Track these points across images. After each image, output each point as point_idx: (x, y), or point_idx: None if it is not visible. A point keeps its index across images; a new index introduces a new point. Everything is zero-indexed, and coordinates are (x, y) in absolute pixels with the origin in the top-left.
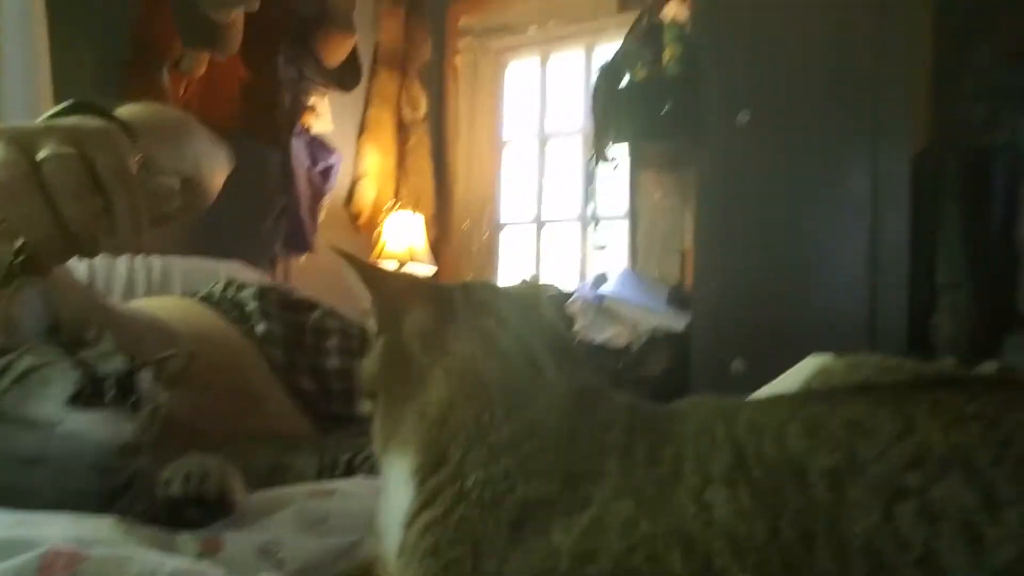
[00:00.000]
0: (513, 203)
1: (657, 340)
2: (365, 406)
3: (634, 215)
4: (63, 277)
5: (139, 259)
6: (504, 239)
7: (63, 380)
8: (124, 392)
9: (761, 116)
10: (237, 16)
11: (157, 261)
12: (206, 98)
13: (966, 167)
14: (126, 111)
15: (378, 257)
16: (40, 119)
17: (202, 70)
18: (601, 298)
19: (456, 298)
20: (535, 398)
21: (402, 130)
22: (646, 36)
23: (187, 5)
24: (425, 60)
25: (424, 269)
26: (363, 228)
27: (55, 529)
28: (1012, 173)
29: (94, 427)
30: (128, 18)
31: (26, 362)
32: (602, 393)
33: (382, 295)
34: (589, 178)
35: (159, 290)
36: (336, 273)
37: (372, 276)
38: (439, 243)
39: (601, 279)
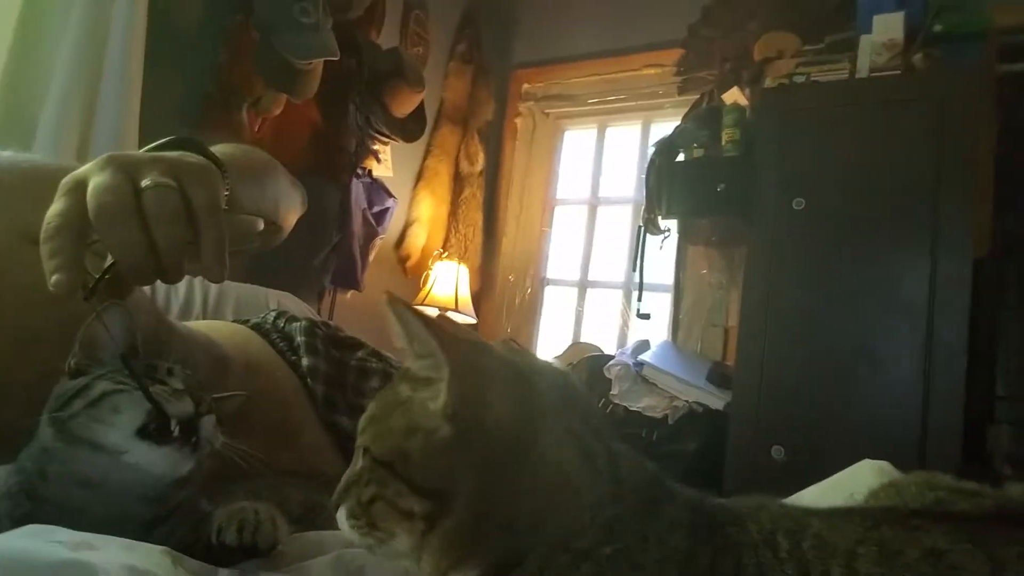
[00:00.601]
0: (558, 262)
1: (695, 415)
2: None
3: (678, 287)
4: (137, 295)
5: (197, 281)
6: (547, 297)
7: (133, 411)
8: (188, 432)
9: (815, 206)
10: (317, 64)
11: (213, 285)
12: (278, 136)
13: None
14: (220, 149)
15: (422, 302)
16: (144, 149)
17: (278, 110)
18: (641, 365)
19: (537, 385)
20: (613, 500)
21: (457, 182)
22: (705, 117)
23: (272, 50)
24: (486, 119)
25: (465, 319)
26: (410, 272)
27: (111, 555)
28: None
29: (156, 461)
30: (217, 58)
31: (101, 387)
32: (667, 490)
33: (459, 364)
34: (637, 247)
35: (212, 312)
36: (380, 314)
37: (446, 336)
38: (482, 294)
39: (643, 346)
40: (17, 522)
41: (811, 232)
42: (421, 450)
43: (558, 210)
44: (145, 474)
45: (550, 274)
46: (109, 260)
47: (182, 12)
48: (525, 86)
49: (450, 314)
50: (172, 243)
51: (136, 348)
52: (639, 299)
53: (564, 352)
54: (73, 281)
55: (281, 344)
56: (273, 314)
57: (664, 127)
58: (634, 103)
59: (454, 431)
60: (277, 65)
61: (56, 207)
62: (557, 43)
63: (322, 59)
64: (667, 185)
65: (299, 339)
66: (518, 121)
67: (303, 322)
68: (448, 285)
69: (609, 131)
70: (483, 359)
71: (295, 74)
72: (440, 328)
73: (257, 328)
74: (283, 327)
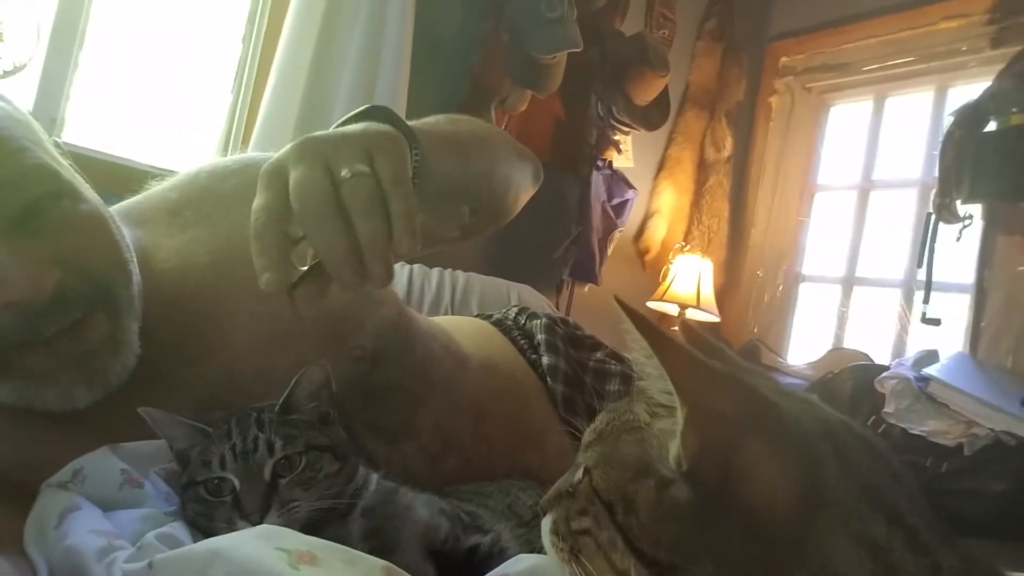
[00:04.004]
0: (818, 257)
1: (1003, 448)
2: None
3: (982, 288)
4: (382, 290)
5: (448, 273)
6: (802, 294)
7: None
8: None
9: None
10: (562, 58)
11: (461, 277)
12: (523, 131)
13: None
14: (427, 120)
15: (660, 298)
16: (339, 122)
17: (524, 106)
18: (925, 381)
19: (820, 450)
20: None
21: (702, 170)
22: None
23: (520, 49)
24: (737, 100)
25: (706, 317)
26: (649, 266)
27: (332, 572)
28: None
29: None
30: (470, 63)
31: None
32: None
33: (701, 408)
34: (924, 239)
35: (460, 305)
36: (616, 308)
37: (682, 366)
38: (726, 291)
39: (929, 357)
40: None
41: None
42: (649, 504)
43: (819, 197)
44: None
45: (807, 269)
46: (312, 254)
47: (444, 24)
48: (783, 60)
49: (691, 312)
50: (370, 232)
51: (327, 409)
52: (925, 301)
53: (821, 358)
54: (281, 280)
55: (522, 341)
56: (515, 310)
57: (966, 91)
58: (924, 65)
59: (694, 496)
60: (524, 63)
61: (260, 200)
62: (823, 6)
63: (566, 52)
64: (971, 162)
65: (539, 337)
66: (773, 100)
67: (543, 319)
68: (689, 280)
69: (889, 102)
70: (737, 404)
71: (541, 69)
72: (676, 354)
73: (499, 324)
74: (524, 324)
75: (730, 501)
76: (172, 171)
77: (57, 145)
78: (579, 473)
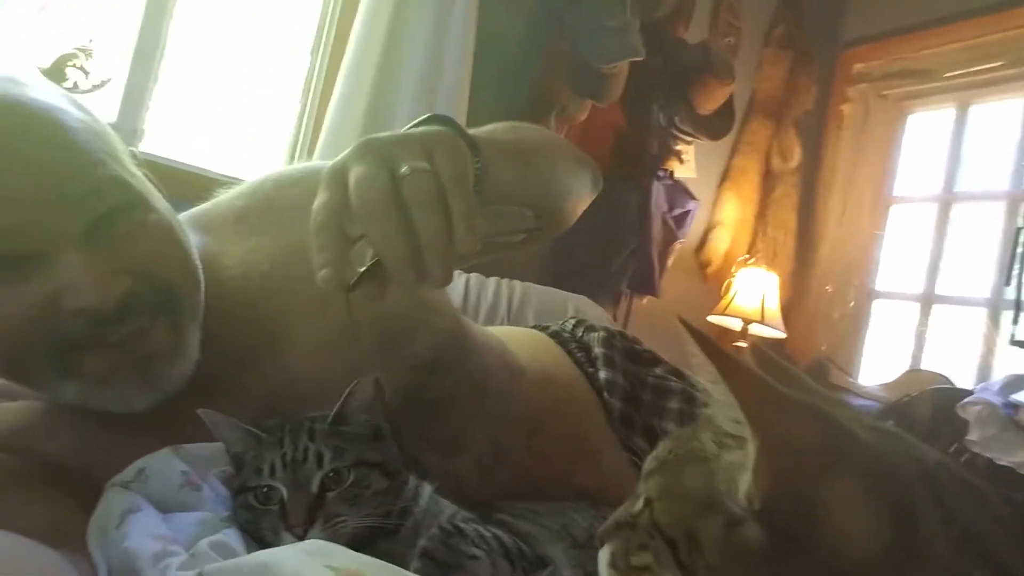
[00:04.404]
0: (893, 271)
1: None
2: None
3: None
4: (436, 295)
5: (504, 283)
6: (875, 312)
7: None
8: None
9: None
10: (623, 67)
11: (518, 287)
12: (582, 141)
13: None
14: (487, 128)
15: (722, 312)
16: (402, 131)
17: (584, 116)
18: (1014, 408)
19: (912, 488)
20: None
21: (768, 180)
22: None
23: (580, 59)
24: (805, 108)
25: (771, 332)
26: (710, 278)
27: None
28: None
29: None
30: (531, 74)
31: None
32: None
33: (776, 439)
34: (1012, 255)
35: (516, 316)
36: (676, 323)
37: (753, 392)
38: (792, 306)
39: (1018, 382)
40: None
41: None
42: (716, 543)
43: (895, 209)
44: None
45: (881, 285)
46: (371, 253)
47: (504, 35)
48: (857, 66)
49: (754, 327)
50: (431, 229)
51: (379, 422)
52: (1015, 321)
53: (897, 380)
54: (339, 277)
55: (579, 354)
56: (572, 322)
57: None
58: (1013, 71)
59: (766, 537)
60: (584, 72)
61: (320, 199)
62: (901, 10)
63: (627, 61)
64: None
65: (597, 350)
66: (845, 108)
67: (601, 332)
68: (753, 294)
69: (973, 110)
70: (819, 437)
71: (601, 79)
72: (747, 381)
73: (555, 336)
74: (581, 336)
75: (807, 546)
76: (242, 179)
77: (133, 155)
78: (639, 503)
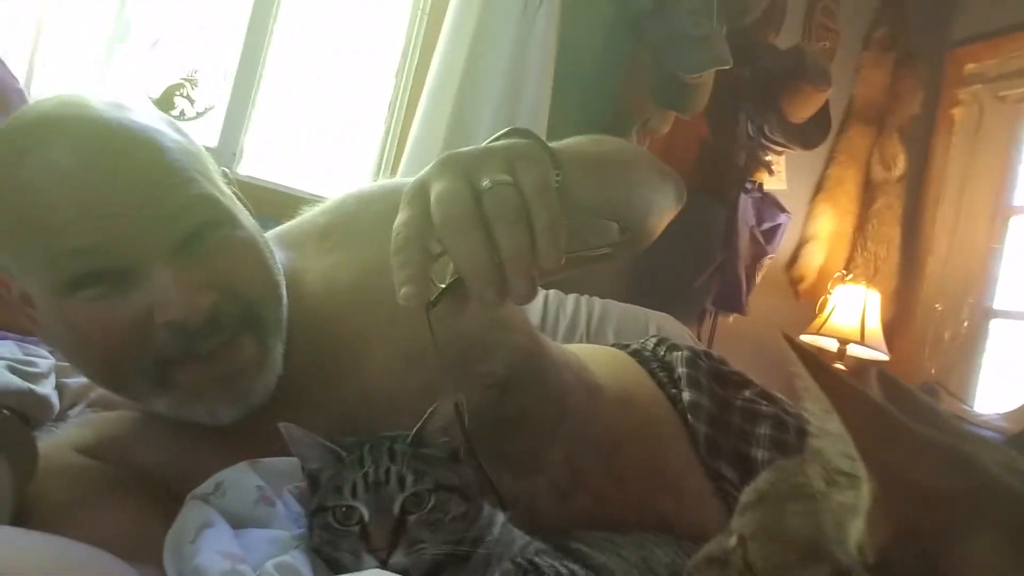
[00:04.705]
0: (1015, 289)
1: None
2: None
3: None
4: (512, 312)
5: (584, 299)
6: (993, 332)
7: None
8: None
9: None
10: (708, 76)
11: (598, 304)
12: (666, 154)
13: None
14: (568, 140)
15: (817, 331)
16: (484, 144)
17: (667, 128)
18: None
19: None
20: None
21: (868, 191)
22: None
23: (663, 69)
24: (911, 113)
25: (872, 354)
26: (803, 296)
27: None
28: None
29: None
30: (612, 87)
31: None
32: None
33: (894, 482)
34: None
35: (595, 333)
36: (765, 341)
37: (871, 425)
38: (896, 325)
39: None
40: None
41: None
42: None
43: (1016, 220)
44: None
45: (1000, 304)
46: (451, 270)
47: (585, 47)
48: (969, 66)
49: (853, 347)
50: (514, 244)
51: (457, 445)
52: None
53: (1019, 408)
54: (421, 294)
55: (661, 375)
56: (653, 340)
57: None
58: None
59: None
60: (668, 83)
61: (402, 216)
62: (1018, 3)
63: (713, 70)
64: None
65: (680, 370)
66: (956, 111)
67: (685, 352)
68: (852, 313)
69: None
70: (952, 481)
71: (685, 89)
72: (864, 411)
73: (636, 355)
74: (663, 356)
75: None
76: (328, 197)
77: (225, 175)
78: (733, 540)
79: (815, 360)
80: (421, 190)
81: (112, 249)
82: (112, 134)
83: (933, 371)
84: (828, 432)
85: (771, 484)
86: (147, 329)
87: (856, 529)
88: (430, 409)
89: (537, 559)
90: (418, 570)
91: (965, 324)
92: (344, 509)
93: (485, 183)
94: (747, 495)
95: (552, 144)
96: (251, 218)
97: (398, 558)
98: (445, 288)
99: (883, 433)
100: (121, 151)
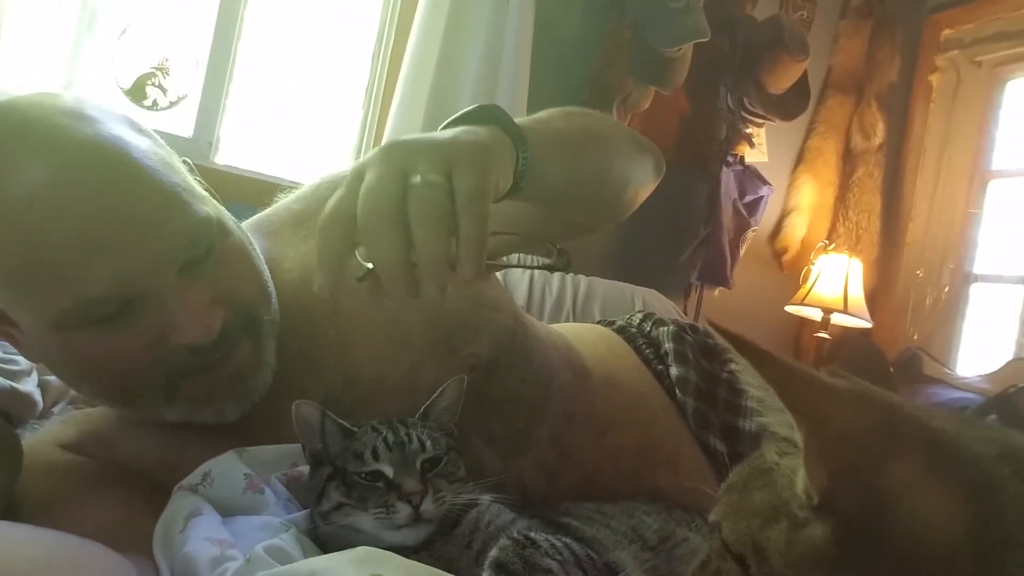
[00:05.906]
0: (992, 253)
1: None
2: None
3: None
4: (496, 292)
5: (569, 277)
6: (973, 297)
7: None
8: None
9: None
10: (686, 50)
11: (583, 281)
12: (647, 129)
13: None
14: (539, 116)
15: (801, 301)
16: (447, 121)
17: (647, 104)
18: None
19: (992, 468)
20: None
21: (848, 161)
22: None
23: (643, 45)
24: (889, 81)
25: (855, 322)
26: (787, 267)
27: None
28: None
29: (397, 539)
30: (591, 63)
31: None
32: None
33: (820, 421)
34: None
35: (581, 310)
36: (751, 313)
37: (790, 380)
38: (878, 293)
39: None
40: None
41: None
42: (781, 549)
43: (993, 185)
44: (397, 546)
45: (979, 268)
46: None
47: (564, 24)
48: (946, 32)
49: (837, 316)
50: (428, 248)
51: (452, 424)
52: None
53: (1000, 369)
54: (330, 283)
55: (647, 351)
56: (639, 316)
57: None
58: None
59: (832, 535)
60: (647, 58)
61: (333, 199)
62: None
63: (691, 43)
64: None
65: (667, 345)
66: (934, 78)
67: (671, 327)
68: (835, 282)
69: None
70: (871, 420)
71: (665, 64)
72: (783, 370)
73: (622, 331)
74: (649, 331)
75: (877, 538)
76: (302, 184)
77: (186, 162)
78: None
79: (738, 338)
80: (359, 174)
81: (119, 282)
82: (91, 162)
83: (916, 336)
84: (768, 406)
85: (738, 474)
86: (160, 351)
87: (800, 478)
88: (441, 388)
89: (534, 534)
90: (440, 519)
91: (946, 289)
92: (364, 475)
93: (415, 179)
94: (720, 490)
95: (520, 120)
96: (227, 212)
97: (428, 505)
98: (363, 275)
99: (800, 384)
100: (105, 181)
